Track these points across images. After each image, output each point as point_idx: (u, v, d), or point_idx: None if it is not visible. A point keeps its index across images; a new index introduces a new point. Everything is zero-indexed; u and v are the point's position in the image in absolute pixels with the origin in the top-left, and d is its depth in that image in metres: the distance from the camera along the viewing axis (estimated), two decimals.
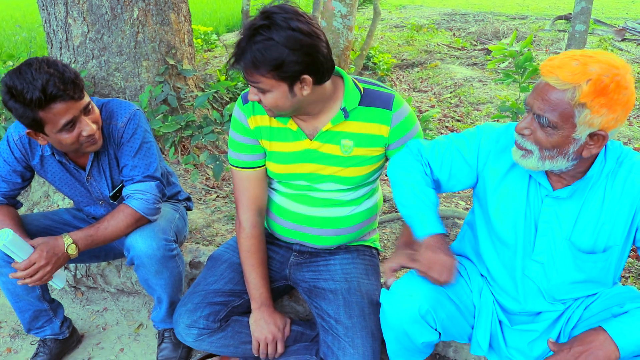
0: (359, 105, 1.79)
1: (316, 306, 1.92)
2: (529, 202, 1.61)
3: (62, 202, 3.19)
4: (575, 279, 1.61)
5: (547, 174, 1.57)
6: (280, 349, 1.93)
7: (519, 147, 1.50)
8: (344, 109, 1.78)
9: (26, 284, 1.91)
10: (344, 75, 1.81)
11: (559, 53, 5.88)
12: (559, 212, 1.57)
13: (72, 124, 1.84)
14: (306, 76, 1.61)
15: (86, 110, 1.88)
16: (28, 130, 1.88)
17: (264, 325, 1.91)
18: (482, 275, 1.81)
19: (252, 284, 1.94)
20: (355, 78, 1.84)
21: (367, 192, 1.96)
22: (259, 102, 1.68)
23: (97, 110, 1.96)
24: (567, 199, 1.55)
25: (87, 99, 1.89)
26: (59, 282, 2.03)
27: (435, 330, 1.63)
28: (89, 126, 1.88)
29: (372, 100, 1.80)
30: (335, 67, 1.78)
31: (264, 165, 1.95)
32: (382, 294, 1.67)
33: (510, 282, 1.72)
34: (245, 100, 1.88)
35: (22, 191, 2.67)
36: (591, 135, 1.39)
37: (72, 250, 1.94)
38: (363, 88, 1.81)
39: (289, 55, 1.55)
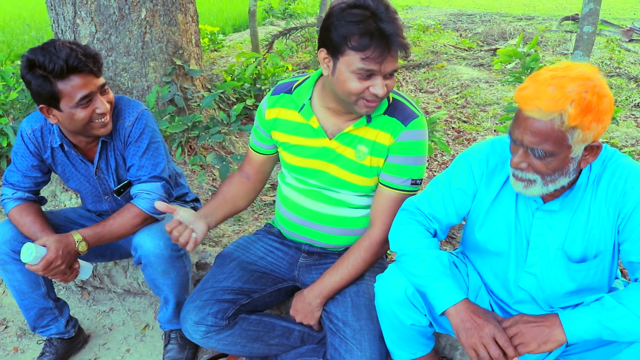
0: (383, 113, 1.80)
1: (324, 308, 1.92)
2: (518, 216, 1.61)
3: (68, 201, 3.20)
4: (569, 289, 1.60)
5: None
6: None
7: (518, 179, 1.48)
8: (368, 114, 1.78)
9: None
10: None
11: (565, 54, 5.77)
12: (551, 223, 1.56)
13: (88, 99, 1.87)
14: None
15: (102, 90, 1.93)
16: (41, 106, 1.90)
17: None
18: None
19: (211, 200, 2.04)
20: None
21: None
22: (386, 92, 1.67)
23: (111, 93, 1.99)
24: (558, 211, 1.54)
25: (104, 79, 1.93)
26: (84, 274, 2.07)
27: (425, 316, 1.67)
28: (103, 105, 1.91)
29: (395, 111, 1.81)
30: None
31: (270, 154, 2.05)
32: (376, 281, 1.75)
33: (505, 292, 1.73)
34: (276, 91, 1.95)
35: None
36: (586, 148, 1.39)
37: (82, 247, 1.95)
38: (392, 98, 1.82)
39: None
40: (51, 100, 1.86)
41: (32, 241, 1.94)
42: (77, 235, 1.95)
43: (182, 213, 1.85)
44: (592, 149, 1.40)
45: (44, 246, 1.89)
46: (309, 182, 1.94)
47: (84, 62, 1.82)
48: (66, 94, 1.84)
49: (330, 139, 1.85)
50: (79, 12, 3.41)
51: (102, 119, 1.94)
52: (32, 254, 1.83)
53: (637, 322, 1.39)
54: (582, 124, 1.32)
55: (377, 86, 1.64)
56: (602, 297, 1.46)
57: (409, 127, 1.79)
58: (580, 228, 1.53)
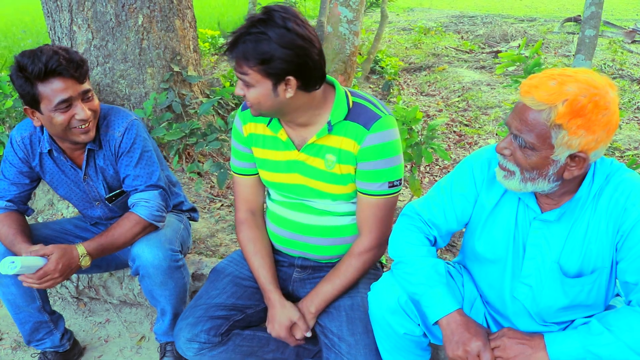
0: (344, 119, 1.75)
1: (319, 322, 1.88)
2: (517, 224, 1.58)
3: (66, 210, 3.17)
4: (563, 304, 1.56)
5: (536, 195, 1.53)
6: (304, 329, 1.85)
7: (501, 167, 1.47)
8: (329, 122, 1.75)
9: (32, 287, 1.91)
10: (337, 87, 1.78)
11: (567, 56, 5.72)
12: (547, 235, 1.52)
13: (67, 104, 1.86)
14: (291, 78, 1.62)
15: (85, 97, 1.91)
16: (25, 107, 1.91)
17: (275, 325, 1.86)
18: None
19: (255, 271, 1.95)
20: (351, 91, 1.80)
21: None
22: (244, 97, 1.69)
23: (97, 101, 1.97)
24: (555, 222, 1.51)
25: (88, 86, 1.92)
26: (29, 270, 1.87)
27: (419, 325, 1.64)
28: (83, 111, 1.89)
29: (357, 115, 1.75)
30: (330, 78, 1.79)
31: (257, 173, 1.98)
32: (370, 289, 1.72)
33: (500, 302, 1.70)
34: (244, 107, 1.90)
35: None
36: (572, 157, 1.36)
37: (86, 262, 1.94)
38: (353, 102, 1.77)
39: (278, 52, 1.57)
40: (32, 102, 1.87)
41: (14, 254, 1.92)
42: (81, 249, 1.93)
43: None
44: (579, 161, 1.36)
45: (44, 256, 1.86)
46: (290, 196, 1.91)
47: (65, 66, 1.82)
48: (45, 97, 1.84)
49: (298, 151, 1.82)
50: (75, 19, 3.39)
51: (83, 126, 1.92)
52: (17, 264, 1.76)
53: (624, 350, 1.34)
54: (568, 125, 1.29)
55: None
56: (590, 321, 1.42)
57: (372, 130, 1.73)
58: (577, 242, 1.49)
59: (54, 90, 1.83)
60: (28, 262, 1.82)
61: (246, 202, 2.02)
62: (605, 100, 1.29)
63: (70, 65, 1.84)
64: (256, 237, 1.99)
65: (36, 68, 1.79)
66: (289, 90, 1.64)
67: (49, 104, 1.85)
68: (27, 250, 1.91)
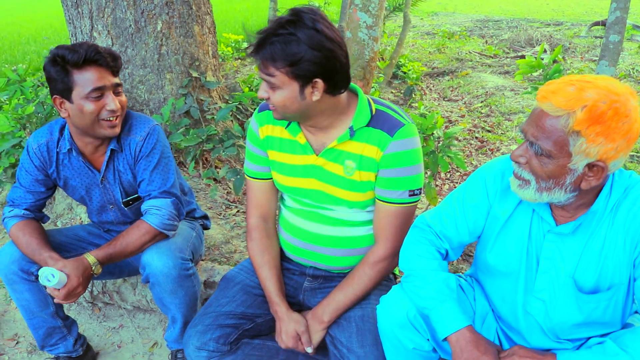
0: (366, 125, 1.73)
1: (329, 333, 1.85)
2: (530, 236, 1.53)
3: (84, 215, 3.20)
4: (577, 320, 1.50)
5: (551, 207, 1.48)
6: (306, 343, 1.83)
7: (516, 176, 1.43)
8: (351, 128, 1.73)
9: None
10: (360, 94, 1.76)
11: (594, 60, 5.62)
12: (562, 248, 1.47)
13: (100, 93, 1.90)
14: (319, 80, 1.60)
15: (116, 90, 1.96)
16: (55, 97, 1.93)
17: (283, 336, 1.84)
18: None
19: (262, 282, 1.93)
20: (373, 99, 1.78)
21: None
22: (267, 100, 1.67)
23: (124, 97, 2.01)
24: (570, 235, 1.45)
25: (120, 81, 1.97)
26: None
27: (428, 340, 1.61)
28: (114, 102, 1.93)
29: (380, 122, 1.73)
30: (353, 85, 1.77)
31: (271, 178, 1.95)
32: (379, 302, 1.69)
33: (512, 317, 1.65)
34: (261, 109, 1.89)
35: (47, 202, 2.69)
36: (590, 166, 1.30)
37: (98, 270, 1.96)
38: (376, 109, 1.75)
39: (307, 54, 1.55)
40: (64, 90, 1.89)
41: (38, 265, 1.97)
42: (91, 258, 1.95)
43: None
44: (597, 170, 1.31)
45: (62, 272, 1.89)
46: (304, 202, 1.89)
47: (102, 55, 1.88)
48: (79, 84, 1.88)
49: (317, 156, 1.80)
50: (95, 26, 3.43)
51: (111, 118, 1.94)
52: (55, 278, 1.84)
53: None
54: (586, 132, 1.25)
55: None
56: (605, 340, 1.37)
57: (396, 137, 1.71)
58: (593, 256, 1.44)
59: (89, 77, 1.88)
60: (62, 277, 1.87)
61: (259, 207, 1.99)
62: (626, 108, 1.25)
63: (107, 56, 1.90)
64: (265, 246, 1.96)
65: (75, 56, 1.85)
66: (316, 93, 1.62)
67: (82, 92, 1.88)
68: (52, 263, 1.94)
